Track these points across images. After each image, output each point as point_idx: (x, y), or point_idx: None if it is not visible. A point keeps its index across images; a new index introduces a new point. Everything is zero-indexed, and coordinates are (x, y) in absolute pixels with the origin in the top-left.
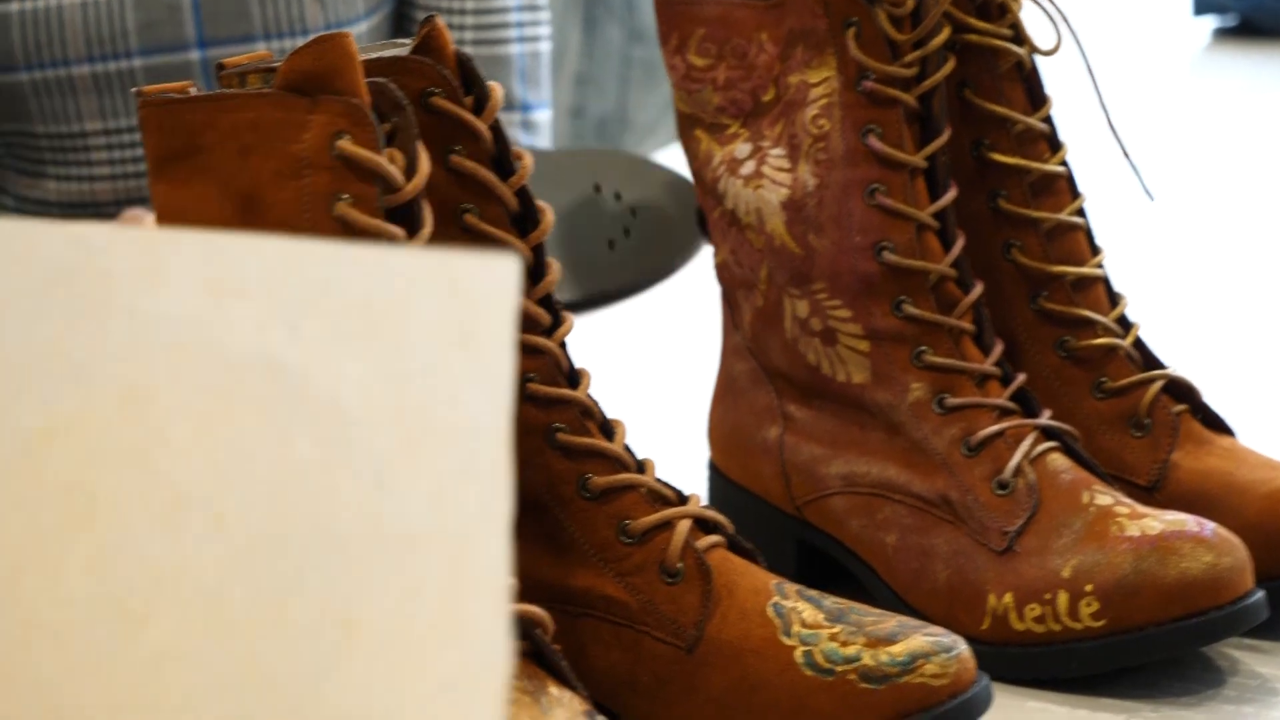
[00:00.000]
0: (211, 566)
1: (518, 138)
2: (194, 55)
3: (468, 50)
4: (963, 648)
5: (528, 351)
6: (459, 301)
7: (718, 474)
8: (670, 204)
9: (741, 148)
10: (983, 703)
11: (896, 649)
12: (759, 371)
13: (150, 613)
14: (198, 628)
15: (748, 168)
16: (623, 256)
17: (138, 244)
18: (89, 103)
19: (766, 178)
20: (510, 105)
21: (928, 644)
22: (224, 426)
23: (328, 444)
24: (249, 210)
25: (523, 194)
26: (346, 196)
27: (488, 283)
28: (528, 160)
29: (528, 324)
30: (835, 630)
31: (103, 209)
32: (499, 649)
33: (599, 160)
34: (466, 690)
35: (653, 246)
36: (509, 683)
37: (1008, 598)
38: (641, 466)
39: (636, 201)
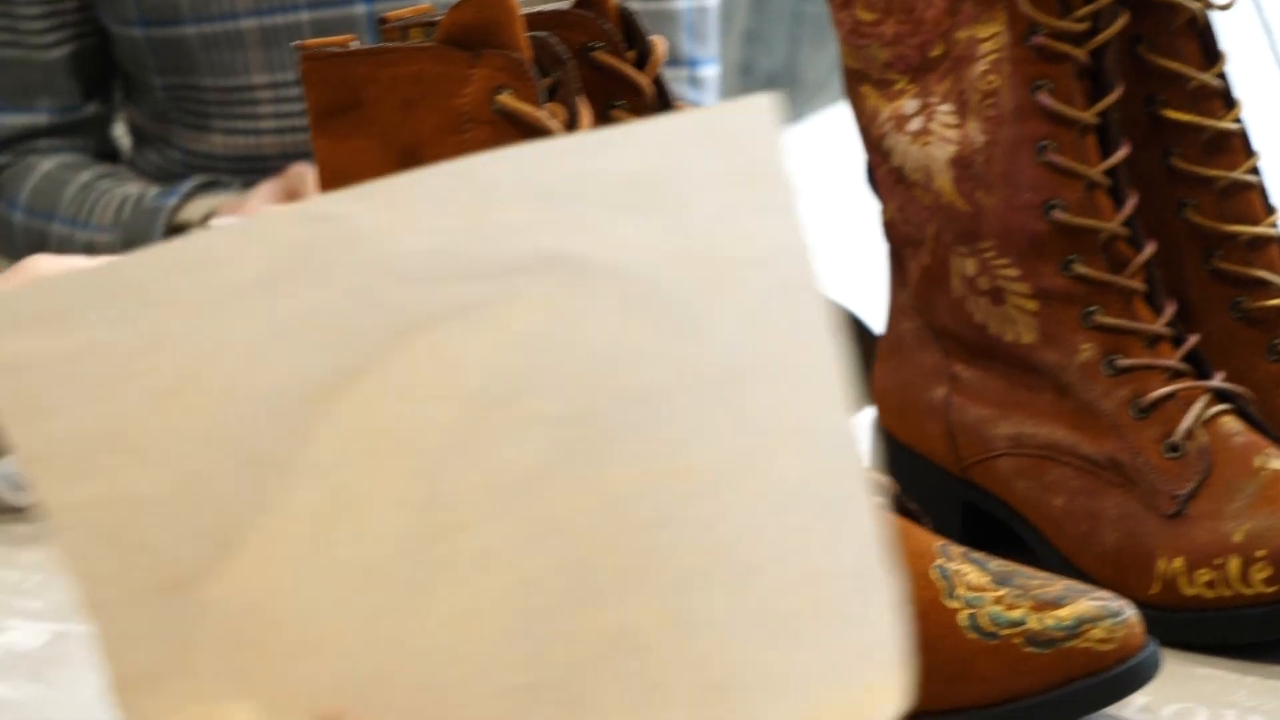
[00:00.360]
0: (523, 458)
1: (685, 94)
2: (360, 9)
3: (635, 6)
4: (1130, 613)
5: None
6: (724, 150)
7: (884, 434)
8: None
9: (909, 104)
10: (1150, 669)
11: (1063, 613)
12: (926, 330)
13: (469, 520)
14: (520, 520)
15: (915, 124)
16: None
17: (370, 199)
18: (256, 56)
19: (934, 134)
20: (677, 61)
21: (1095, 608)
22: (513, 329)
23: (625, 312)
24: (409, 165)
25: None
26: None
27: (749, 125)
28: None
29: None
30: (1000, 593)
31: (268, 163)
32: (850, 448)
33: None
34: (830, 495)
35: None
36: (870, 482)
37: (1178, 562)
38: None
39: None
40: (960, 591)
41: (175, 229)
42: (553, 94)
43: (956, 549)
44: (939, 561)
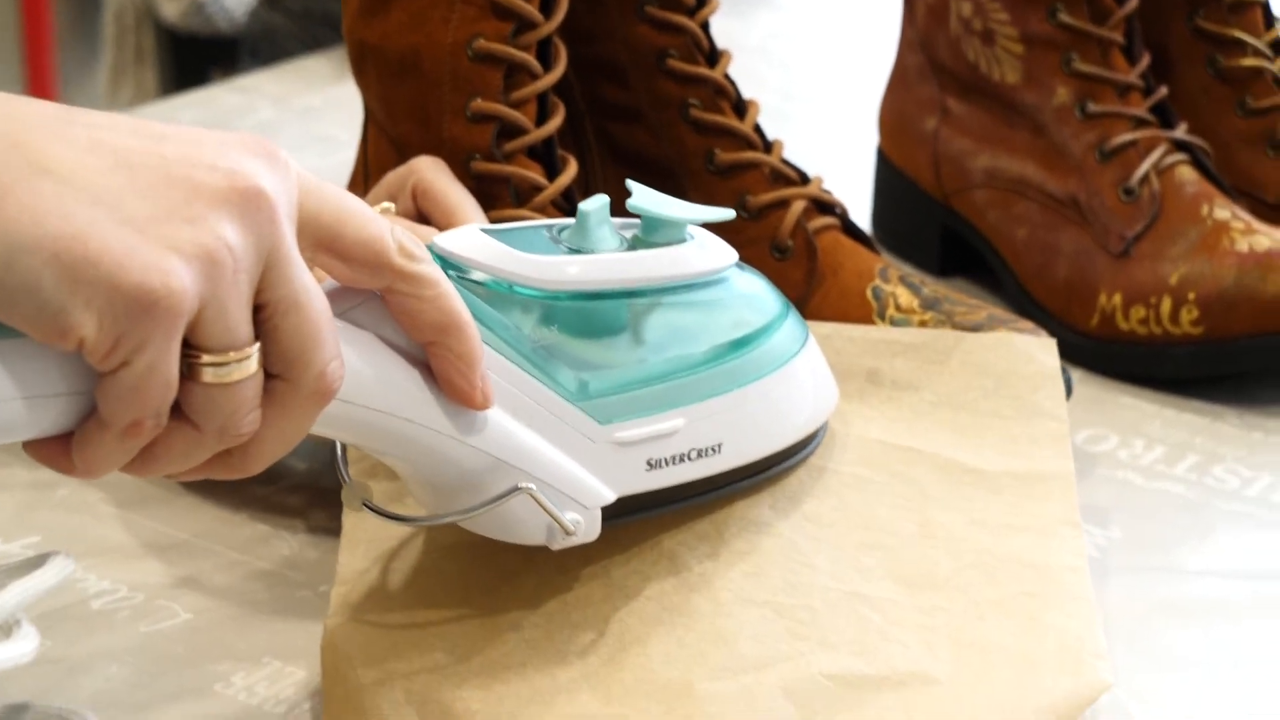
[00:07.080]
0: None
1: None
2: None
3: None
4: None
5: (668, 29)
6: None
7: (883, 158)
8: None
9: None
10: None
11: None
12: (927, 65)
13: None
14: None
15: None
16: None
17: None
18: None
19: None
20: None
21: (1009, 336)
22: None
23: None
24: None
25: None
26: None
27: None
28: None
29: (670, 3)
30: (925, 317)
31: None
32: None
33: None
34: None
35: None
36: None
37: (1117, 298)
38: (769, 147)
39: None
40: (890, 312)
41: None
42: None
43: (895, 271)
44: (875, 283)
